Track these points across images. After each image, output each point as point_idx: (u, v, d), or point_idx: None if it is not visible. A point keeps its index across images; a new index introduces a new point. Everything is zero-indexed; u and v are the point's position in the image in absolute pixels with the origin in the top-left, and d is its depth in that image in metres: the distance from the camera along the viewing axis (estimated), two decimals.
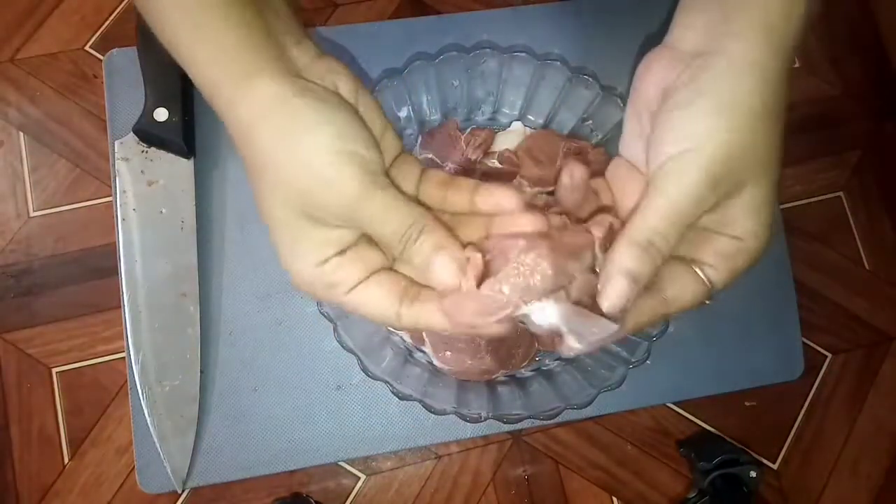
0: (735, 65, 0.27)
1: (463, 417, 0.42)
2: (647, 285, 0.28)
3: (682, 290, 0.29)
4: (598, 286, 0.28)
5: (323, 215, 0.28)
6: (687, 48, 0.29)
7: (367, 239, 0.29)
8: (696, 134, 0.27)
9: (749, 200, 0.28)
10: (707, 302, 0.30)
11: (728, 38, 0.27)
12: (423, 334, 0.45)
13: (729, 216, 0.28)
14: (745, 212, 0.28)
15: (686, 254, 0.29)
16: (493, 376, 0.46)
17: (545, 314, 0.27)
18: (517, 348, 0.45)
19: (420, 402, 0.42)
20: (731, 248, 0.29)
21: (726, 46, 0.27)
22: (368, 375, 0.42)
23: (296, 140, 0.27)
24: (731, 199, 0.28)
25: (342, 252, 0.29)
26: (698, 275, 0.29)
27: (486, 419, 0.42)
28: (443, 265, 0.28)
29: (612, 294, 0.27)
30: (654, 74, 0.30)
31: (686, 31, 0.30)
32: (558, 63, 0.46)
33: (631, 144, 0.31)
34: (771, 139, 0.28)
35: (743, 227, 0.28)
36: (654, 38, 0.55)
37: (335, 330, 0.42)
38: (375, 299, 0.29)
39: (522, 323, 0.28)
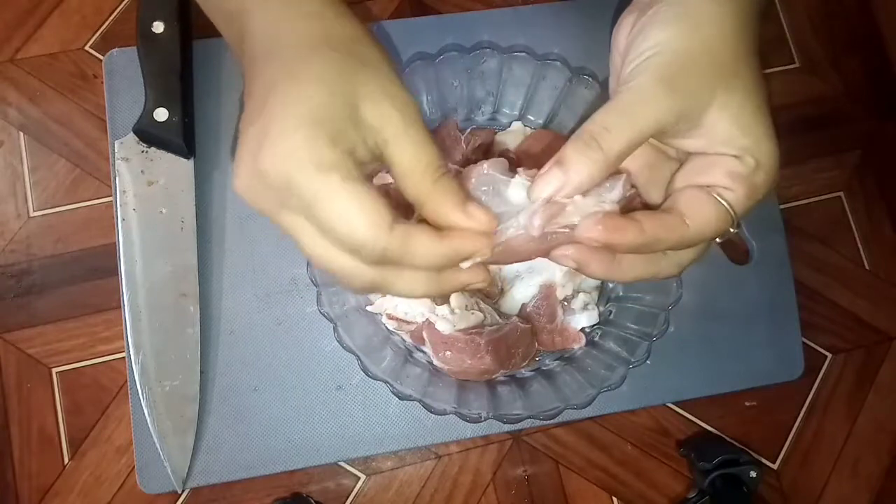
0: None
1: (463, 417, 0.42)
2: (667, 210, 0.29)
3: (703, 217, 0.29)
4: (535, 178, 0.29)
5: (363, 115, 0.26)
6: None
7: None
8: (653, 45, 0.28)
9: (730, 113, 0.28)
10: (732, 230, 0.30)
11: None
12: (424, 334, 0.45)
13: (720, 134, 0.29)
14: (734, 127, 0.28)
15: (702, 181, 0.30)
16: (493, 376, 0.46)
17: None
18: (517, 348, 0.45)
19: (420, 402, 0.42)
20: (739, 168, 0.29)
21: None
22: (368, 375, 0.42)
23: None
24: (707, 111, 0.28)
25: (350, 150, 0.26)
26: (717, 200, 0.29)
27: (486, 419, 0.42)
28: (472, 215, 0.27)
29: (542, 180, 0.28)
30: (624, 27, 0.31)
31: None
32: (558, 63, 0.46)
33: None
34: (736, 46, 0.28)
35: (740, 144, 0.29)
36: None
37: (335, 330, 0.42)
38: (372, 201, 0.25)
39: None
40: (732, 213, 0.29)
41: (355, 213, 0.25)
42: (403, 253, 0.26)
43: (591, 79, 0.46)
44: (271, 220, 0.28)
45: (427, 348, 0.45)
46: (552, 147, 0.49)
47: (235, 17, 0.29)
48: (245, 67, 0.29)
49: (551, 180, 0.28)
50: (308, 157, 0.25)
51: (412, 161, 0.27)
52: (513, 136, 0.51)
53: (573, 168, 0.27)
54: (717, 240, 0.31)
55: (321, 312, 0.43)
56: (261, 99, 0.26)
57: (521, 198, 0.29)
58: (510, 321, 0.45)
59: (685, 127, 0.28)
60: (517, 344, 0.45)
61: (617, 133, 0.27)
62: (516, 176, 0.30)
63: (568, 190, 0.28)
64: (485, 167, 0.30)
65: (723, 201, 0.29)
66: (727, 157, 0.29)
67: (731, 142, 0.29)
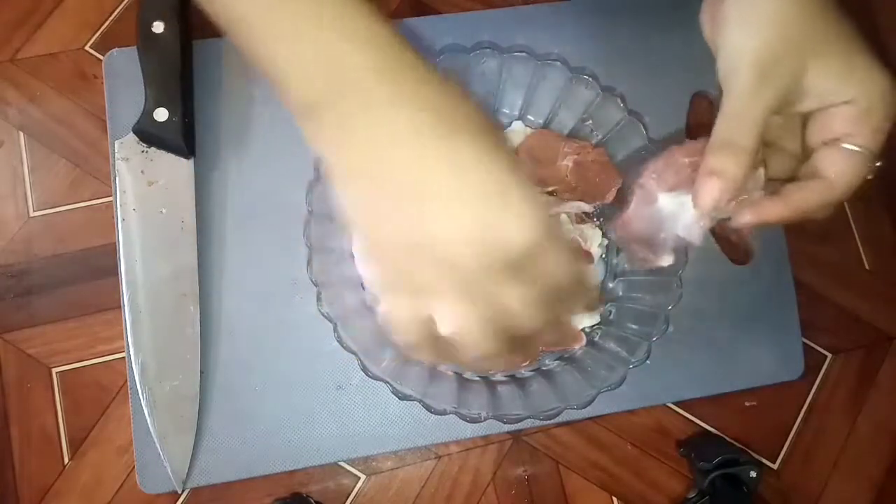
0: None
1: (463, 417, 0.42)
2: (811, 176, 0.32)
3: (844, 170, 0.31)
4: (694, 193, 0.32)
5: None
6: None
7: None
8: (736, 46, 0.32)
9: (825, 73, 0.31)
10: (875, 167, 0.32)
11: None
12: None
13: (825, 91, 0.31)
14: (834, 82, 0.31)
15: (829, 136, 0.32)
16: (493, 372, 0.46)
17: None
18: None
19: (420, 402, 0.42)
20: (853, 112, 0.31)
21: None
22: (368, 376, 0.42)
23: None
24: (805, 80, 0.31)
25: None
26: (849, 149, 0.31)
27: (486, 419, 0.42)
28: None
29: (703, 192, 0.31)
30: (706, 15, 0.35)
31: None
32: (558, 63, 0.46)
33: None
34: (804, 20, 0.31)
35: (845, 92, 0.31)
36: (652, 38, 0.55)
37: (335, 330, 0.42)
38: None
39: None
40: (867, 153, 0.31)
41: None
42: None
43: (590, 79, 0.46)
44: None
45: None
46: (552, 147, 0.49)
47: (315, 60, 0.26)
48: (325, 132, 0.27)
49: (713, 189, 0.31)
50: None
51: None
52: (513, 137, 0.51)
53: (726, 173, 0.31)
54: (871, 175, 0.33)
55: (321, 313, 0.43)
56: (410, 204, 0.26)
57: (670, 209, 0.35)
58: None
59: (794, 98, 0.32)
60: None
61: (743, 132, 0.31)
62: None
63: (730, 192, 0.31)
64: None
65: (854, 147, 0.31)
66: (841, 106, 0.31)
67: (837, 93, 0.31)
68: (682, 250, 0.41)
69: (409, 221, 0.26)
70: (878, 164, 0.32)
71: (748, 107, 0.31)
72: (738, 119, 0.31)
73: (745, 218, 0.33)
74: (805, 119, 0.34)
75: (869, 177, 0.33)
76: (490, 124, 0.28)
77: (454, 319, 0.27)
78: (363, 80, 0.26)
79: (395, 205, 0.26)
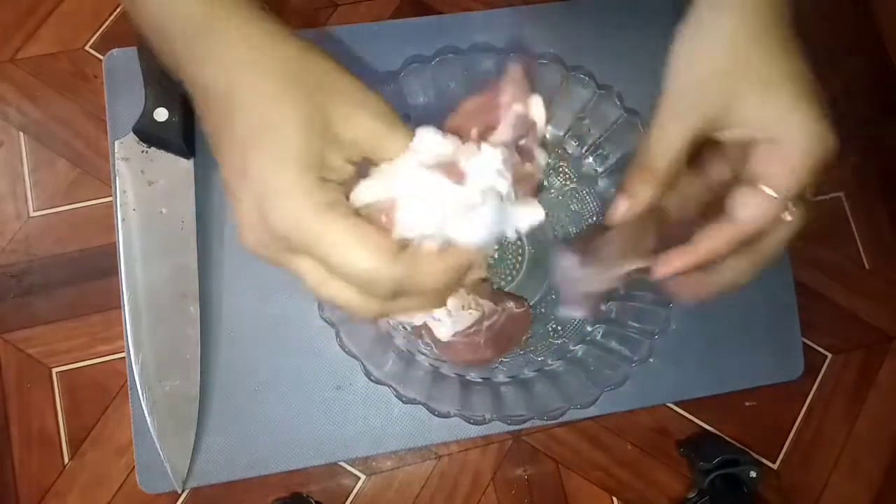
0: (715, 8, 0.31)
1: (467, 420, 0.42)
2: (721, 217, 0.31)
3: (749, 210, 0.30)
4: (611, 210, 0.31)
5: (339, 131, 0.27)
6: None
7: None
8: (674, 71, 0.32)
9: (755, 104, 0.30)
10: (787, 216, 0.30)
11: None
12: (423, 332, 0.45)
13: (754, 122, 0.30)
14: (761, 114, 0.30)
15: (748, 176, 0.31)
16: (493, 364, 0.46)
17: None
18: (515, 333, 0.45)
19: (424, 405, 0.42)
20: (774, 151, 0.30)
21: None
22: (371, 380, 0.42)
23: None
24: (735, 109, 0.30)
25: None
26: (760, 190, 0.30)
27: (490, 421, 0.42)
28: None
29: (614, 209, 0.31)
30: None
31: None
32: (554, 62, 0.46)
33: None
34: (750, 51, 0.30)
35: (769, 127, 0.30)
36: (649, 37, 0.55)
37: (337, 336, 0.42)
38: (375, 232, 0.26)
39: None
40: (781, 198, 0.30)
41: (360, 250, 0.25)
42: (412, 279, 0.26)
43: (587, 78, 0.46)
44: (283, 267, 0.30)
45: (428, 340, 0.46)
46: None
47: (188, 40, 0.28)
48: (200, 96, 0.29)
49: (621, 206, 0.31)
50: (303, 204, 0.25)
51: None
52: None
53: (636, 196, 0.31)
54: (789, 217, 0.31)
55: (323, 318, 0.43)
56: (240, 154, 0.27)
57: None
58: (505, 309, 0.45)
59: (721, 126, 0.31)
60: (514, 329, 0.45)
61: (659, 155, 0.31)
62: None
63: (636, 211, 0.31)
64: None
65: (768, 190, 0.30)
66: (764, 144, 0.30)
67: (764, 128, 0.30)
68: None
69: (232, 173, 0.28)
70: (792, 210, 0.30)
71: (669, 130, 0.31)
72: (657, 142, 0.31)
73: (660, 271, 0.32)
74: (725, 151, 0.33)
75: (789, 219, 0.31)
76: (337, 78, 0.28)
77: (313, 289, 0.28)
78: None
79: (227, 148, 0.28)
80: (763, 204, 0.30)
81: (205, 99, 0.29)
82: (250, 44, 0.27)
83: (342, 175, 0.28)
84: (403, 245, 0.27)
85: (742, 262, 0.32)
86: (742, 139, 0.31)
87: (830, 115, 0.30)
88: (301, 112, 0.26)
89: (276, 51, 0.27)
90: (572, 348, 0.48)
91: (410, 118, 0.48)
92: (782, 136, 0.29)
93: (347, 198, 0.28)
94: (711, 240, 0.31)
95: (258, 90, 0.27)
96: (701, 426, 0.57)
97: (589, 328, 0.48)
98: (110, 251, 0.53)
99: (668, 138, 0.31)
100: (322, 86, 0.27)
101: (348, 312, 0.28)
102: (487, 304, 0.45)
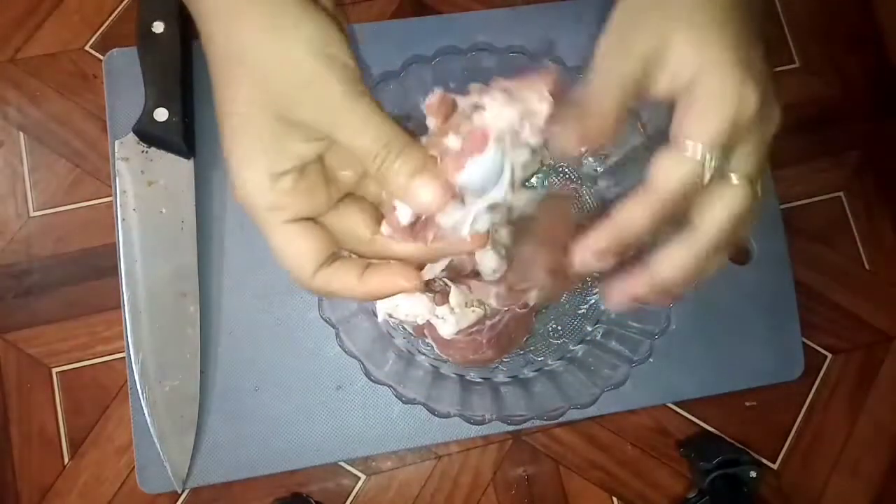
0: None
1: (467, 420, 0.42)
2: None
3: (662, 168, 0.26)
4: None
5: (298, 117, 0.27)
6: None
7: (318, 172, 0.29)
8: (615, 13, 0.29)
9: (681, 49, 0.27)
10: (706, 175, 0.26)
11: None
12: (426, 331, 0.45)
13: (672, 72, 0.27)
14: (684, 60, 0.26)
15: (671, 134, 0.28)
16: (494, 364, 0.46)
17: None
18: (516, 334, 0.45)
19: (424, 405, 0.42)
20: (694, 104, 0.26)
21: None
22: (371, 380, 0.42)
23: (281, 34, 0.26)
24: (662, 57, 0.27)
25: (300, 171, 0.28)
26: (675, 147, 0.26)
27: (490, 421, 0.42)
28: (425, 187, 0.27)
29: (561, 137, 0.28)
30: None
31: None
32: (553, 63, 0.46)
33: None
34: None
35: (689, 73, 0.26)
36: None
37: (337, 335, 0.43)
38: (302, 246, 0.29)
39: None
40: (693, 153, 0.26)
41: (286, 257, 0.29)
42: (326, 292, 0.30)
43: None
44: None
45: (429, 341, 0.46)
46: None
47: None
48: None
49: (571, 136, 0.28)
50: (257, 194, 0.27)
51: (368, 145, 0.28)
52: None
53: (584, 120, 0.28)
54: (709, 180, 0.26)
55: (323, 318, 0.43)
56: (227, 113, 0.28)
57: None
58: (508, 309, 0.45)
59: (654, 71, 0.28)
60: (516, 330, 0.45)
61: (605, 92, 0.28)
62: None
63: (584, 139, 0.28)
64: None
65: (681, 145, 0.26)
66: (684, 95, 0.27)
67: (684, 63, 0.27)
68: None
69: (226, 142, 0.28)
70: (708, 174, 0.26)
71: (610, 67, 0.28)
72: (601, 78, 0.28)
73: (577, 256, 0.28)
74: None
75: (708, 182, 0.26)
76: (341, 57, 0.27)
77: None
78: None
79: (222, 110, 0.28)
80: (677, 162, 0.26)
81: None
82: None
83: (305, 157, 0.28)
84: (334, 258, 0.29)
85: (681, 251, 0.27)
86: (667, 89, 0.28)
87: (771, 82, 0.27)
88: (254, 91, 0.27)
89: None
90: (572, 348, 0.48)
91: (410, 118, 0.48)
92: (698, 85, 0.26)
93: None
94: (627, 209, 0.27)
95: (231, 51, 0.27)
96: (701, 426, 0.57)
97: (589, 328, 0.48)
98: (110, 251, 0.53)
99: (609, 81, 0.28)
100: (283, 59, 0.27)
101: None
102: (491, 304, 0.45)
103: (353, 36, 0.53)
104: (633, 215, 0.27)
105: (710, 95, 0.26)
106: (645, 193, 0.27)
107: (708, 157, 0.25)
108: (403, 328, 0.47)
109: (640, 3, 0.28)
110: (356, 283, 0.29)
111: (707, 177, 0.26)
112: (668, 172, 0.26)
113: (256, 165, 0.27)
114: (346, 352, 0.42)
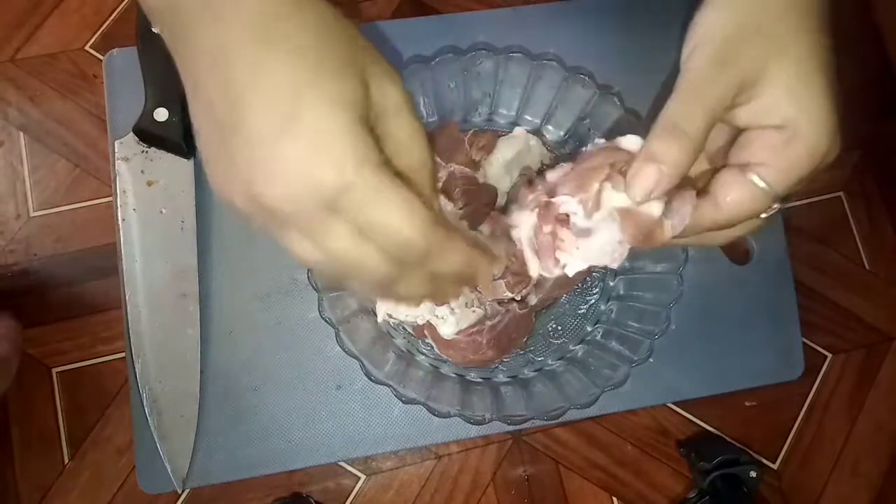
0: None
1: (467, 420, 0.42)
2: (703, 194, 0.29)
3: (736, 195, 0.28)
4: (627, 178, 0.29)
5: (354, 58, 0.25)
6: None
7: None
8: (706, 29, 0.29)
9: (780, 83, 0.28)
10: (774, 207, 0.29)
11: None
12: (426, 332, 0.45)
13: (765, 105, 0.28)
14: (780, 97, 0.28)
15: (741, 159, 0.29)
16: (495, 364, 0.46)
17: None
18: (517, 334, 0.45)
19: (424, 405, 0.42)
20: (777, 140, 0.28)
21: None
22: (371, 380, 0.42)
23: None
24: (760, 82, 0.28)
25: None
26: (749, 180, 0.28)
27: (490, 421, 0.42)
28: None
29: (640, 178, 0.28)
30: None
31: None
32: (554, 63, 0.46)
33: None
34: (787, 20, 0.28)
35: (784, 113, 0.28)
36: (649, 37, 0.55)
37: (337, 336, 0.42)
38: (417, 204, 0.25)
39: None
40: (768, 189, 0.28)
41: (406, 212, 0.25)
42: (440, 252, 0.26)
43: (587, 78, 0.46)
44: (273, 229, 0.27)
45: (429, 341, 0.46)
46: (455, 138, 0.48)
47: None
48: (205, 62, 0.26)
49: (650, 175, 0.28)
50: (356, 155, 0.24)
51: (417, 152, 0.27)
52: (515, 142, 0.50)
53: (668, 158, 0.28)
54: (763, 215, 0.30)
55: (323, 318, 0.43)
56: (289, 100, 0.24)
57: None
58: (508, 310, 0.45)
59: (744, 100, 0.28)
60: (516, 330, 0.45)
61: (692, 117, 0.28)
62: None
63: (668, 181, 0.28)
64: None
65: (757, 180, 0.28)
66: (769, 129, 0.28)
67: (775, 111, 0.28)
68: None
69: (228, 162, 0.25)
70: (776, 206, 0.29)
71: (703, 89, 0.28)
72: (690, 101, 0.28)
73: (675, 221, 0.29)
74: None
75: (764, 216, 0.30)
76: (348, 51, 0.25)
77: (299, 257, 0.26)
78: None
79: (219, 139, 0.25)
80: (752, 195, 0.28)
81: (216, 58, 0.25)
82: None
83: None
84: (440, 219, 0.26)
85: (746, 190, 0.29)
86: (746, 123, 0.29)
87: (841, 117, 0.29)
88: (349, 65, 0.25)
89: (312, 6, 0.25)
90: (572, 348, 0.48)
91: None
92: (793, 124, 0.27)
93: None
94: (697, 216, 0.29)
95: (298, 42, 0.24)
96: (701, 426, 0.57)
97: (589, 328, 0.48)
98: (110, 251, 0.53)
99: (704, 97, 0.28)
100: (359, 45, 0.26)
101: (356, 275, 0.27)
102: (491, 305, 0.45)
103: None
104: (699, 221, 0.29)
105: (806, 147, 0.27)
106: (711, 209, 0.29)
107: (780, 196, 0.28)
108: (403, 328, 0.47)
109: (746, 22, 0.28)
110: (469, 248, 0.27)
111: (773, 210, 0.29)
112: (741, 202, 0.28)
113: (337, 106, 0.24)
114: (346, 352, 0.42)
